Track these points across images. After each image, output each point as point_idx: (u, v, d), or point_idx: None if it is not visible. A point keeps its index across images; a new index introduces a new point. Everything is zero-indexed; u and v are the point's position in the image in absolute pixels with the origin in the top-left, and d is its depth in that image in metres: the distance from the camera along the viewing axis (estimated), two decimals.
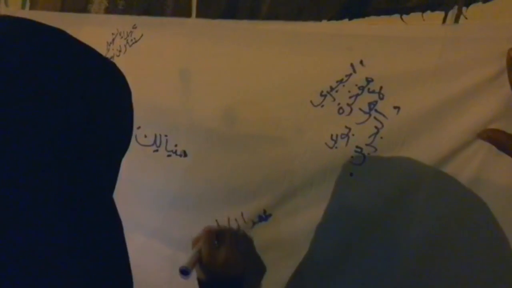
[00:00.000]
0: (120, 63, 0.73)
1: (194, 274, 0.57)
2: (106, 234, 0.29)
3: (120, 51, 0.74)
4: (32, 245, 0.24)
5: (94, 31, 0.78)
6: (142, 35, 0.72)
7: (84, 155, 0.27)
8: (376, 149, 0.51)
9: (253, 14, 0.61)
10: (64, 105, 0.26)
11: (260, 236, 0.63)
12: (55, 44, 0.28)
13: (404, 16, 0.49)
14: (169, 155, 0.69)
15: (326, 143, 0.54)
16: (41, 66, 0.26)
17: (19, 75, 0.25)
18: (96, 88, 0.30)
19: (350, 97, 0.52)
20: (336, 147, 0.54)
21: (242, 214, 0.63)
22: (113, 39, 0.75)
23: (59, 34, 0.30)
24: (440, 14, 0.47)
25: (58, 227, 0.25)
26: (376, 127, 0.51)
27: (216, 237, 0.59)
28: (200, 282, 0.58)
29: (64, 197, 0.26)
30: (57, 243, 0.25)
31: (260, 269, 0.62)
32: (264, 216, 0.61)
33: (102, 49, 0.76)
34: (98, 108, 0.30)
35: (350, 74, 0.52)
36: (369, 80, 0.51)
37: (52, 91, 0.26)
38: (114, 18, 0.76)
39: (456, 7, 0.46)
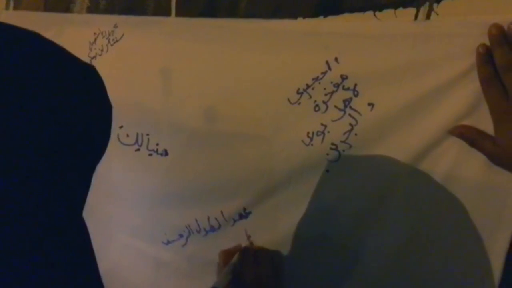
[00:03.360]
0: (102, 62, 0.73)
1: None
2: (74, 253, 0.29)
3: (102, 50, 0.74)
4: None
5: (77, 31, 0.78)
6: (123, 35, 0.72)
7: (55, 164, 0.27)
8: (351, 146, 0.51)
9: (231, 12, 0.61)
10: (36, 110, 0.26)
11: (241, 233, 0.63)
12: (28, 48, 0.28)
13: (377, 13, 0.49)
14: (150, 154, 0.69)
15: (302, 141, 0.55)
16: (13, 70, 0.26)
17: None
18: (71, 93, 0.29)
19: (326, 95, 0.53)
20: (312, 145, 0.54)
21: (222, 212, 0.63)
22: (95, 39, 0.75)
23: (33, 37, 0.29)
24: (412, 11, 0.47)
25: (23, 241, 0.25)
26: (350, 124, 0.51)
27: (254, 256, 0.57)
28: None
29: (32, 209, 0.25)
30: (21, 257, 0.25)
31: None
32: (244, 214, 0.62)
33: (84, 49, 0.76)
34: (72, 114, 0.29)
35: (326, 72, 0.52)
36: (343, 78, 0.51)
37: (23, 96, 0.25)
38: (95, 17, 0.76)
39: (427, 3, 0.46)
